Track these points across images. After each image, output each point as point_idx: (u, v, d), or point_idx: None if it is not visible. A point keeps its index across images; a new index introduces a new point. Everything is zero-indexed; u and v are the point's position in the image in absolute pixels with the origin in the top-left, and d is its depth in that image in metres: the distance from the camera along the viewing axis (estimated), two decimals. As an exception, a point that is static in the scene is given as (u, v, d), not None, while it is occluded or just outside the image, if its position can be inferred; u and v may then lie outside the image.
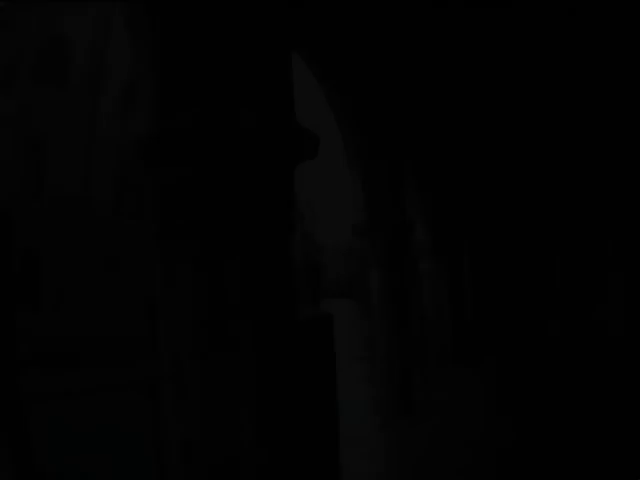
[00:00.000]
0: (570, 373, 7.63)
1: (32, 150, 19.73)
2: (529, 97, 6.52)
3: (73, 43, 20.70)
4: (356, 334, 22.45)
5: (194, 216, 2.26)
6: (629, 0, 4.76)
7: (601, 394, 5.92)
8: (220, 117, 2.16)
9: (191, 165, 2.22)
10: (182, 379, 2.35)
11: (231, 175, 2.21)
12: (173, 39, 2.26)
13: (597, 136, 8.14)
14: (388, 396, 5.18)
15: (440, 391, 6.34)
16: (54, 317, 19.51)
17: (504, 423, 4.96)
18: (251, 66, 2.29)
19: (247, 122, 2.16)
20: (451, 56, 5.73)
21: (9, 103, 19.75)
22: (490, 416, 5.27)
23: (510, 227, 14.96)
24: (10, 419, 2.90)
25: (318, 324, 2.66)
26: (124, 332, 16.51)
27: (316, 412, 2.40)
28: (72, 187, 19.67)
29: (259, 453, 2.28)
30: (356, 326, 25.19)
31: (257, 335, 2.25)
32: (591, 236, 11.48)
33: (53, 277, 19.78)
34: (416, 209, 7.74)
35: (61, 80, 20.82)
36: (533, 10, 4.93)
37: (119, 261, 19.07)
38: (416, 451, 4.33)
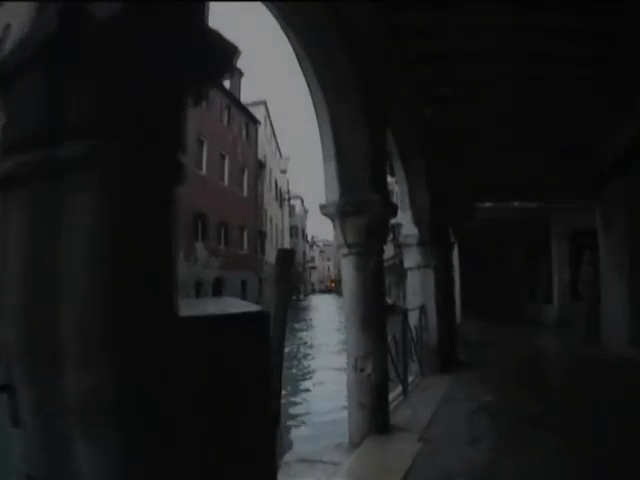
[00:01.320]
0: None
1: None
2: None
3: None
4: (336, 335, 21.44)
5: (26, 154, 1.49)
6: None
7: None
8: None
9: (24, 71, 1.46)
10: (14, 394, 1.58)
11: (82, 84, 1.43)
12: None
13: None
14: (358, 412, 4.36)
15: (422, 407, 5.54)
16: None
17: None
18: None
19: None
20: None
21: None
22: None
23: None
24: None
25: (247, 321, 1.94)
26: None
27: (235, 427, 1.74)
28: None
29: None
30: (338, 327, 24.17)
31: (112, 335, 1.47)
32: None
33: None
34: (403, 196, 6.95)
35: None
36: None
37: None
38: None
